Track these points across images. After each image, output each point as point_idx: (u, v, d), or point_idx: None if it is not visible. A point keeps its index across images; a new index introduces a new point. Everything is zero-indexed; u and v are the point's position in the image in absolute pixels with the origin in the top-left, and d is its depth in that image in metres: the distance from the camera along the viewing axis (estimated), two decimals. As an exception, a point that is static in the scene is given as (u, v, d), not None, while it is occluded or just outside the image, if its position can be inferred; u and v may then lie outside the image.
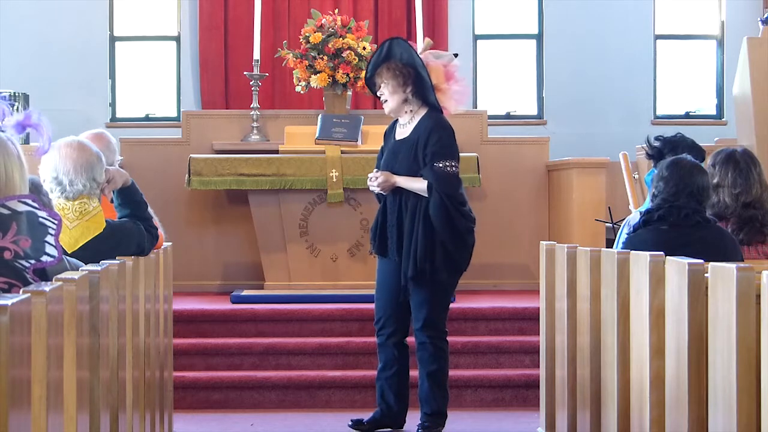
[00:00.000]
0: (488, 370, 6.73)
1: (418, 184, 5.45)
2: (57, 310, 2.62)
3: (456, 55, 5.89)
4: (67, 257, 3.74)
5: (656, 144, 5.32)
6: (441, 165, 5.42)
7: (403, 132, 5.60)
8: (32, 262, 2.87)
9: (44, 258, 2.90)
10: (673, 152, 5.16)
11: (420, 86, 5.52)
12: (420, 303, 5.51)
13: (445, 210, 5.41)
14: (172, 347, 5.74)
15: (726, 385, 3.19)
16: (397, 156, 5.55)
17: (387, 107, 5.58)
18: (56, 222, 2.93)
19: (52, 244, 2.91)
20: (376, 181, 5.53)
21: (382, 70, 5.53)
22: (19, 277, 2.85)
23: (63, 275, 2.89)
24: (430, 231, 5.42)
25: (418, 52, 5.68)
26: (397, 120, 5.67)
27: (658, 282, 3.80)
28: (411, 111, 5.57)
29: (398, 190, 5.52)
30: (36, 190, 3.50)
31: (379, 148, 5.79)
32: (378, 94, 5.60)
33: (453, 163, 5.46)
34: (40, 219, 2.90)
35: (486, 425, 6.12)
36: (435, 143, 5.44)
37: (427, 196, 5.42)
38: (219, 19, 10.50)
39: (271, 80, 10.17)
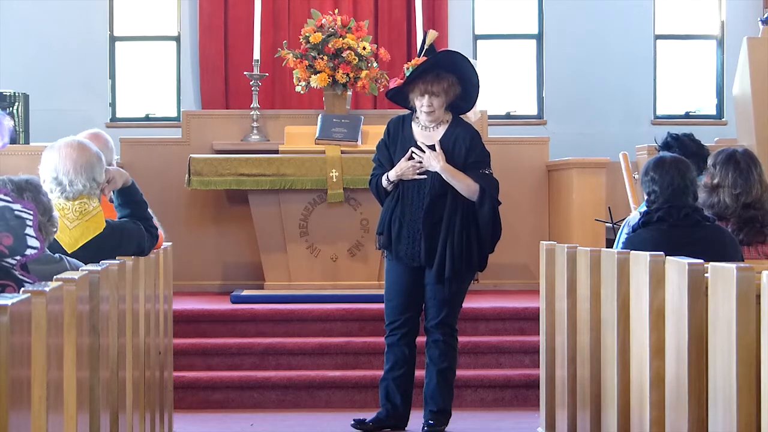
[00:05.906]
0: (488, 370, 6.73)
1: (467, 181, 5.46)
2: (57, 310, 2.62)
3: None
4: (67, 257, 3.75)
5: (668, 139, 5.41)
6: (489, 172, 5.52)
7: (429, 135, 5.56)
8: (18, 258, 2.86)
9: (28, 252, 2.88)
10: (678, 149, 5.21)
11: (465, 104, 5.65)
12: (442, 301, 5.54)
13: (497, 217, 5.51)
14: (172, 347, 5.74)
15: (726, 385, 3.19)
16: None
17: (430, 117, 5.52)
18: (32, 212, 2.91)
19: (32, 236, 2.90)
20: (423, 156, 5.45)
21: (447, 85, 5.53)
22: (9, 276, 2.84)
23: (63, 275, 2.89)
24: (467, 231, 5.46)
25: (425, 45, 5.68)
26: (403, 118, 5.66)
27: (658, 282, 3.80)
28: (442, 118, 5.61)
29: (421, 190, 5.49)
30: (36, 190, 3.50)
31: (381, 143, 5.70)
32: (425, 93, 5.50)
33: (493, 173, 5.58)
34: (16, 212, 2.88)
35: (486, 425, 6.11)
36: (481, 152, 5.54)
37: (470, 194, 5.44)
38: (219, 19, 10.50)
39: (271, 80, 10.17)
